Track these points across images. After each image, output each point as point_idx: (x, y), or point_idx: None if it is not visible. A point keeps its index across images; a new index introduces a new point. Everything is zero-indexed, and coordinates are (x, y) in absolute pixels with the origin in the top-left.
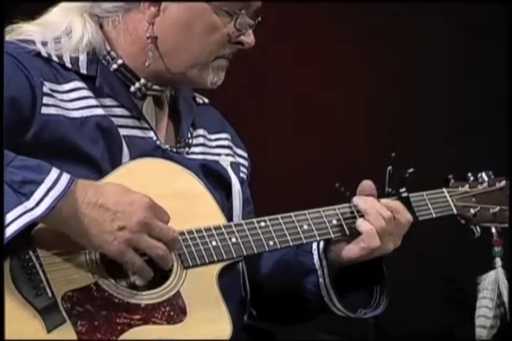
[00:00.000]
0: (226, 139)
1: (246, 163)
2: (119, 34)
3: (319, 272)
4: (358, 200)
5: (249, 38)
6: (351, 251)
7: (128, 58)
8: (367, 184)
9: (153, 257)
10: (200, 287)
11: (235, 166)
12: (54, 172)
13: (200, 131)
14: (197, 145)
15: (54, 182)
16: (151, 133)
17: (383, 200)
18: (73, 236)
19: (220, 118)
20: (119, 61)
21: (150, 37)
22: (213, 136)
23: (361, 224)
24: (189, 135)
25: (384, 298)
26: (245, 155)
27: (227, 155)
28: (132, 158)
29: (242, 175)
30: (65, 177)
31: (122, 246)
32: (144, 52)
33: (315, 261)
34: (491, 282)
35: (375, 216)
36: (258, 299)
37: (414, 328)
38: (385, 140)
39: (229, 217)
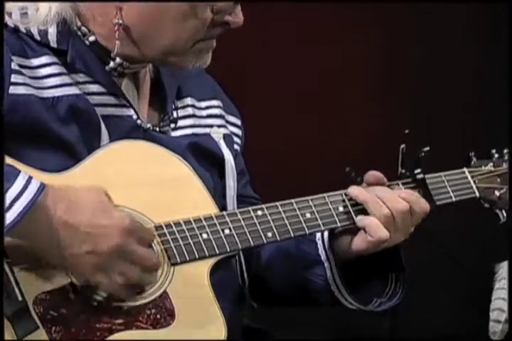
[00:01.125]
0: (218, 107)
1: (240, 132)
2: (90, 13)
3: (326, 264)
4: (353, 191)
5: (236, 17)
6: (358, 244)
7: (100, 37)
8: (371, 175)
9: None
10: (189, 286)
11: (228, 138)
12: (21, 180)
13: (188, 100)
14: (185, 117)
15: (20, 191)
16: (131, 111)
17: (395, 191)
18: (38, 252)
19: (210, 82)
20: (91, 38)
21: (117, 24)
22: (203, 104)
23: (361, 218)
24: (173, 107)
25: (400, 285)
26: (238, 122)
27: (219, 126)
28: (112, 139)
29: (235, 146)
30: (33, 186)
31: (89, 270)
32: (115, 35)
33: (320, 251)
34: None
35: (375, 205)
36: (258, 290)
37: (434, 332)
38: (398, 116)
39: (223, 196)
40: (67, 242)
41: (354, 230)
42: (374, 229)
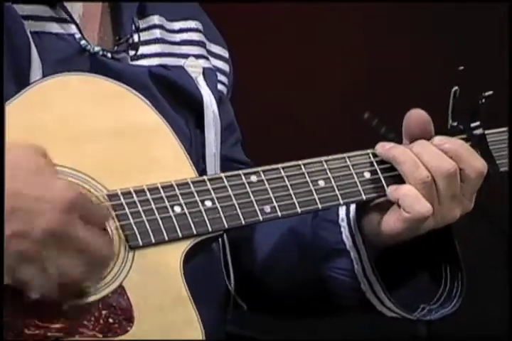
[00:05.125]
0: (197, 31)
1: (227, 68)
2: None
3: (353, 254)
4: (381, 148)
5: None
6: (390, 224)
7: None
8: (415, 115)
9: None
10: (155, 278)
11: (210, 75)
12: None
13: (155, 19)
14: (149, 42)
15: None
16: (72, 28)
17: (437, 138)
18: None
19: None
20: None
21: None
22: (176, 25)
23: (391, 189)
24: (133, 27)
25: (458, 285)
26: (225, 55)
27: (197, 56)
28: (46, 67)
29: (220, 87)
30: None
31: (14, 261)
32: None
33: (344, 237)
34: None
35: (410, 167)
36: (251, 290)
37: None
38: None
39: (202, 155)
40: None
41: (387, 206)
42: (410, 202)
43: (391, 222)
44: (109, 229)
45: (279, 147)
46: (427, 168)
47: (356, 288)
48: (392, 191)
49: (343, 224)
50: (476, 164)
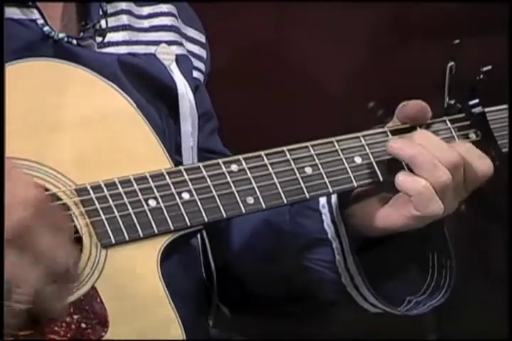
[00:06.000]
0: (169, 14)
1: (203, 54)
2: None
3: (335, 244)
4: (394, 144)
5: None
6: (393, 218)
7: None
8: (412, 107)
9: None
10: (130, 278)
11: (184, 62)
12: None
13: (122, 4)
14: (117, 28)
15: None
16: (35, 13)
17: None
18: None
19: None
20: None
21: None
22: (145, 10)
23: (404, 179)
24: (100, 12)
25: (446, 276)
26: (202, 39)
27: (169, 43)
28: (6, 55)
29: (196, 74)
30: None
31: None
32: None
33: (326, 225)
34: None
35: (429, 166)
36: (230, 289)
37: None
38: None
39: (176, 148)
40: None
41: (376, 192)
42: (425, 202)
43: (394, 217)
44: (78, 227)
45: (259, 137)
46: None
47: (337, 282)
48: (405, 182)
49: (324, 211)
50: (483, 168)
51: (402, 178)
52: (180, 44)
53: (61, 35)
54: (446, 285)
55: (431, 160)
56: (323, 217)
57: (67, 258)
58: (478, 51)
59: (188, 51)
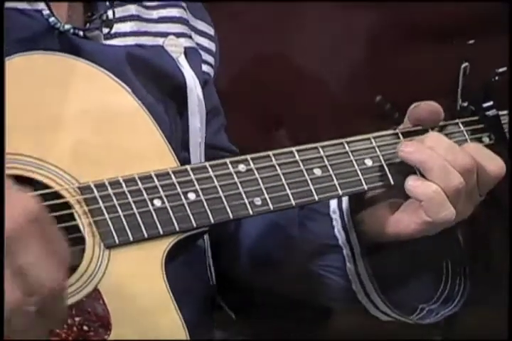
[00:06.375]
0: (177, 6)
1: (213, 47)
2: None
3: (345, 251)
4: (404, 148)
5: None
6: (402, 224)
7: None
8: (424, 108)
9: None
10: (134, 280)
11: (193, 55)
12: None
13: None
14: (125, 19)
15: None
16: (40, 4)
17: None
18: None
19: None
20: None
21: None
22: (154, 1)
23: (414, 184)
24: (107, 3)
25: (461, 283)
26: (211, 32)
27: (179, 35)
28: (9, 47)
29: (205, 68)
30: None
31: None
32: None
33: (336, 231)
34: None
35: (441, 171)
36: (234, 293)
37: None
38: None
39: (184, 144)
40: None
41: (387, 197)
42: (436, 208)
43: (405, 223)
44: (80, 227)
45: (267, 134)
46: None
47: (347, 289)
48: (415, 187)
49: (335, 216)
50: (498, 163)
51: (411, 183)
52: (189, 36)
53: (67, 27)
54: (460, 293)
55: (442, 165)
56: (334, 222)
57: (54, 275)
58: (488, 52)
59: (197, 44)
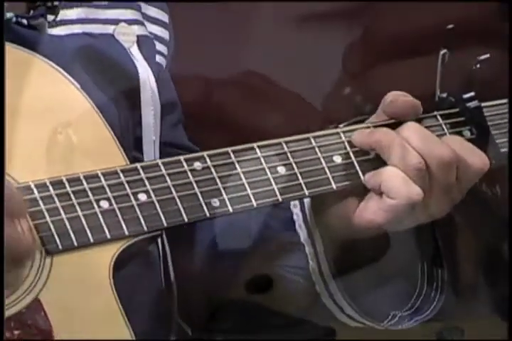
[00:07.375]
0: None
1: (166, 35)
2: None
3: (308, 249)
4: (359, 134)
5: None
6: (368, 214)
7: None
8: (403, 103)
9: None
10: (78, 289)
11: (146, 44)
12: None
13: None
14: (71, 5)
15: None
16: None
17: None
18: None
19: None
20: None
21: None
22: None
23: (372, 174)
24: None
25: (438, 287)
26: (165, 19)
27: (130, 22)
28: None
29: (158, 59)
30: None
31: None
32: None
33: (297, 226)
34: None
35: (398, 150)
36: (191, 301)
37: None
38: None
39: (135, 141)
40: None
41: (358, 195)
42: (396, 184)
43: (369, 213)
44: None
45: (227, 130)
46: (420, 154)
47: (311, 291)
48: (371, 176)
49: (296, 210)
50: (476, 163)
51: (367, 176)
52: (142, 24)
53: (9, 15)
54: (436, 299)
55: (399, 143)
56: (295, 217)
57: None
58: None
59: (150, 33)
